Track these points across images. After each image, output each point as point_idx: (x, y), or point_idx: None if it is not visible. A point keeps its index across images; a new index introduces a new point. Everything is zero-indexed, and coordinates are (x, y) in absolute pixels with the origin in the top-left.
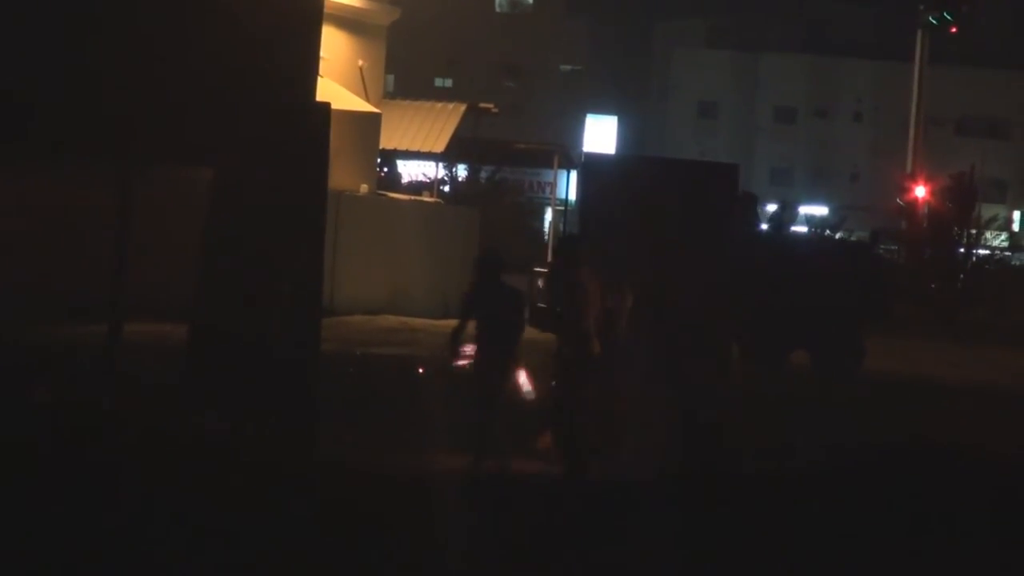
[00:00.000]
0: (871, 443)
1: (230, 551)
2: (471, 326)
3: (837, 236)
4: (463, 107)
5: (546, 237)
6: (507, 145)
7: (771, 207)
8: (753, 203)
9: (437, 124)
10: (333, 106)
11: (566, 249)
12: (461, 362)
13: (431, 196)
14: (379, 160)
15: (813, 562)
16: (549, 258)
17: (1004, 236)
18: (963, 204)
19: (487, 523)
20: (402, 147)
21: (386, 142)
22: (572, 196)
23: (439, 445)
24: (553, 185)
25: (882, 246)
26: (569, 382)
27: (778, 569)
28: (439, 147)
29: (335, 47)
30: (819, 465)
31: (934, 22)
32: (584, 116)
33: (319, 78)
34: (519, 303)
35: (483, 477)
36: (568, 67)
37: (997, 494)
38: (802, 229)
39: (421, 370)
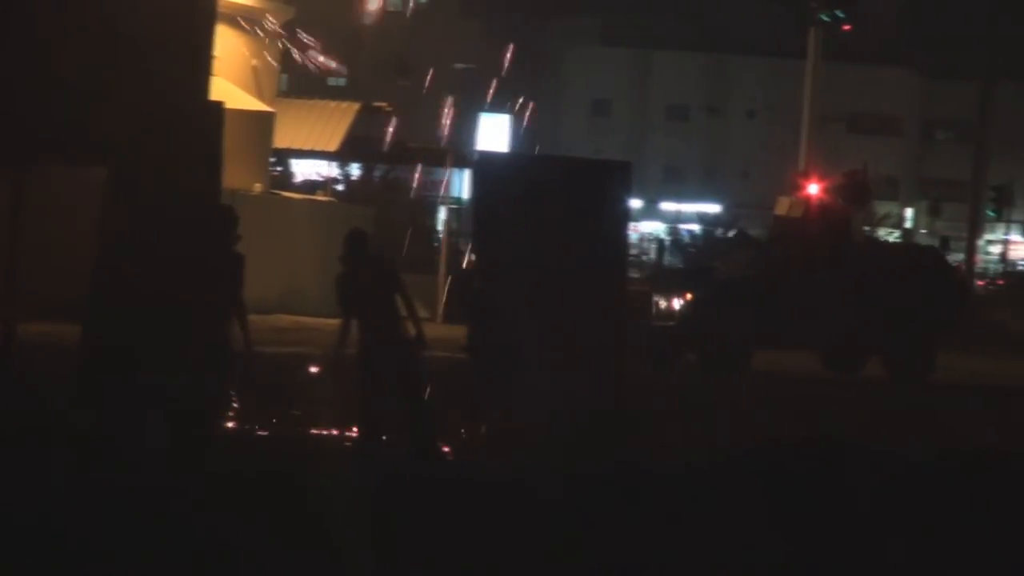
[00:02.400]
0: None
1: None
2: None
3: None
4: (356, 106)
5: (440, 235)
6: (400, 144)
7: (665, 206)
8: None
9: (331, 123)
10: (227, 105)
11: (351, 245)
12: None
13: (325, 195)
14: (273, 159)
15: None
16: (443, 256)
17: (897, 233)
18: (856, 201)
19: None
20: (296, 146)
21: (280, 141)
22: (466, 194)
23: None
24: (446, 184)
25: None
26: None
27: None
28: (333, 146)
29: (229, 46)
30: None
31: (826, 20)
32: (477, 115)
33: (212, 77)
34: (393, 274)
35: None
36: (462, 66)
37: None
38: (693, 227)
39: (314, 369)
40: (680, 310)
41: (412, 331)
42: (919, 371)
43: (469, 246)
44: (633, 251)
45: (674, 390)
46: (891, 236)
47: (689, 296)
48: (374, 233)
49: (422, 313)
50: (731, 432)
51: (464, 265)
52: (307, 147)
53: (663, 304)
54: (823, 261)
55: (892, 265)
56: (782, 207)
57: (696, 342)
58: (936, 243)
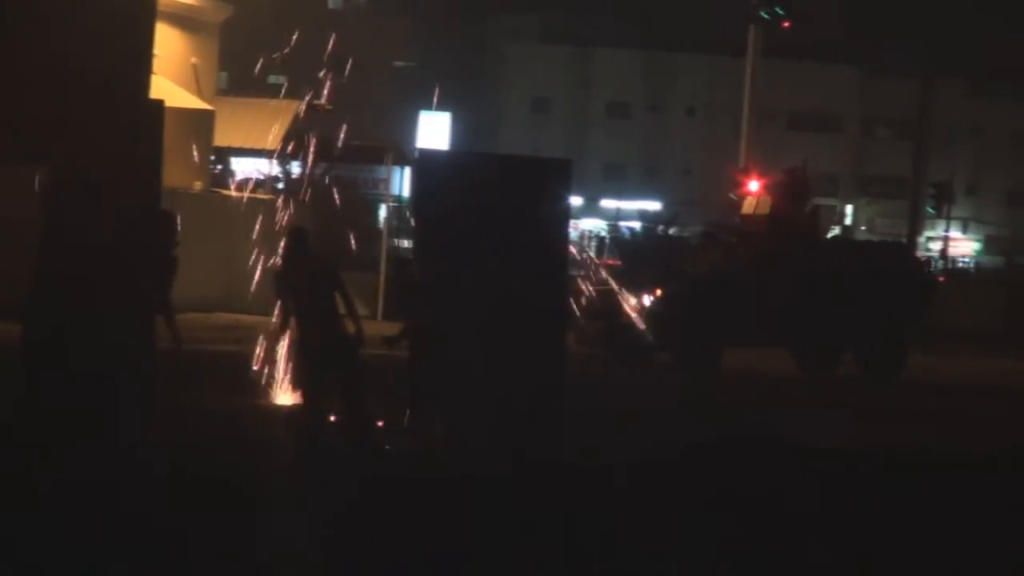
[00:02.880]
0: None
1: None
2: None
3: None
4: (296, 104)
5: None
6: (340, 142)
7: (606, 203)
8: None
9: (271, 121)
10: (166, 103)
11: (291, 242)
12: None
13: (265, 193)
14: (213, 157)
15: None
16: (384, 255)
17: (837, 230)
18: (796, 198)
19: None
20: (236, 144)
21: (220, 139)
22: (407, 192)
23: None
24: (387, 182)
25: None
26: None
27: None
28: (273, 144)
29: (168, 44)
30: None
31: (766, 16)
32: (418, 113)
33: (152, 75)
34: (332, 272)
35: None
36: (402, 64)
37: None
38: (634, 224)
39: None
40: (649, 308)
41: (351, 329)
42: (891, 369)
43: (411, 243)
44: (573, 248)
45: (636, 388)
46: (831, 233)
47: (659, 293)
48: (315, 231)
49: (362, 311)
50: (665, 430)
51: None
52: (247, 145)
53: (632, 301)
54: (791, 260)
55: (861, 263)
56: (749, 206)
57: (665, 340)
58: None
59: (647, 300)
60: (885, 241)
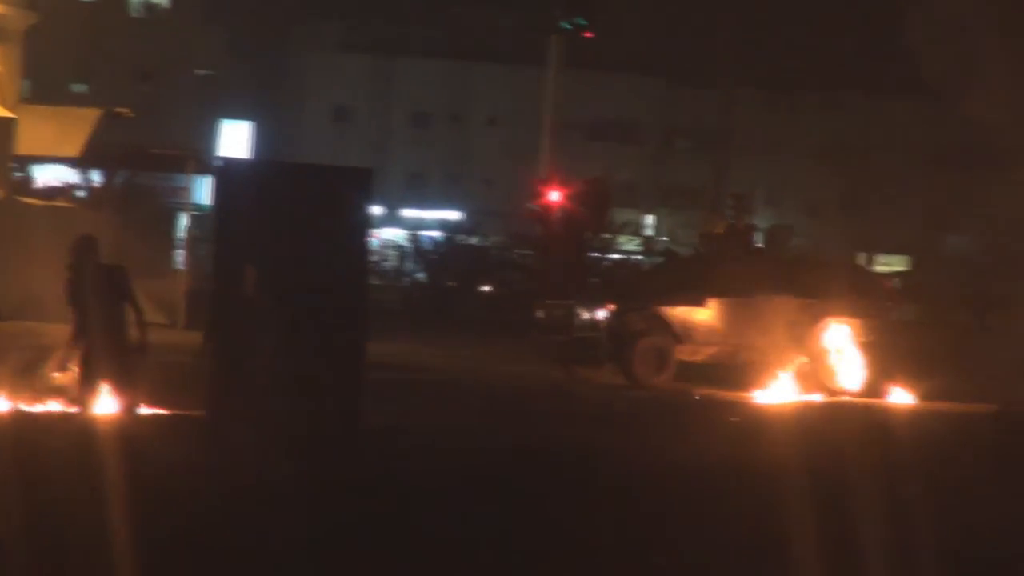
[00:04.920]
0: None
1: None
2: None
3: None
4: (98, 112)
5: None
6: (142, 150)
7: (407, 213)
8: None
9: (73, 129)
10: None
11: (78, 250)
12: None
13: (66, 201)
14: (14, 165)
15: None
16: (184, 262)
17: (637, 240)
18: (596, 208)
19: None
20: (37, 152)
21: (22, 147)
22: (208, 201)
23: None
24: (187, 190)
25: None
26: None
27: None
28: (74, 152)
29: None
30: None
31: (567, 27)
32: (219, 121)
33: None
34: (121, 281)
35: None
36: (203, 72)
37: None
38: (435, 234)
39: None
40: (604, 322)
41: (136, 338)
42: (851, 383)
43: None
44: (374, 257)
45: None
46: (630, 243)
47: (612, 308)
48: (112, 239)
49: (161, 319)
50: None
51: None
52: (49, 153)
53: (585, 316)
54: (747, 277)
55: (815, 279)
56: (709, 224)
57: (617, 354)
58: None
59: (602, 315)
60: (840, 258)
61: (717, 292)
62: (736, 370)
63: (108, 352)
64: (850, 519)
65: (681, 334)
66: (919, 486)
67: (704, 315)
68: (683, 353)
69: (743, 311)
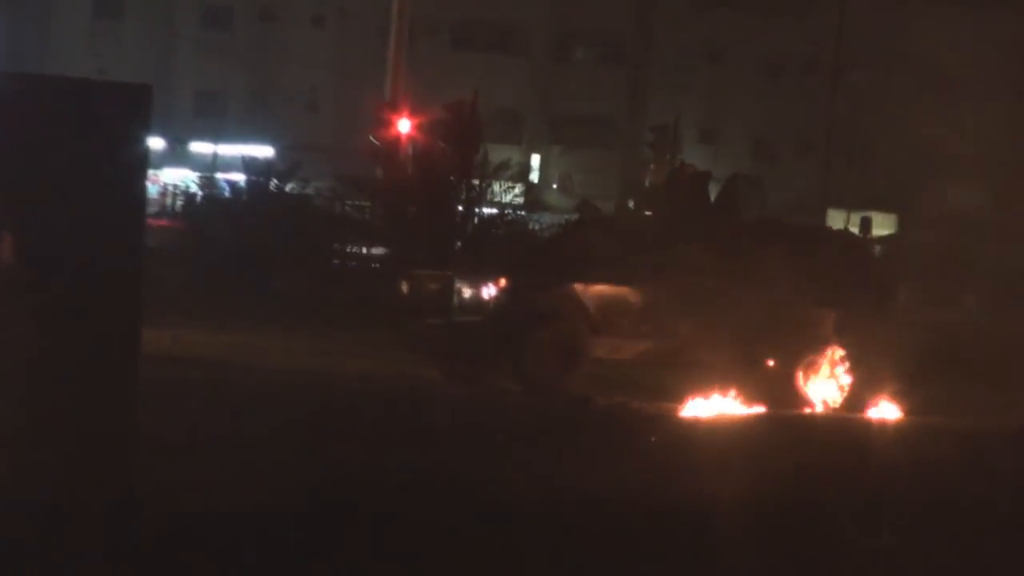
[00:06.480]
0: None
1: None
2: None
3: None
4: None
5: None
6: None
7: (198, 147)
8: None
9: None
10: None
11: None
12: None
13: None
14: None
15: None
16: None
17: (519, 189)
18: (463, 144)
19: None
20: None
21: None
22: None
23: None
24: None
25: (351, 202)
26: None
27: None
28: None
29: None
30: None
31: None
32: None
33: None
34: None
35: None
36: None
37: None
38: (237, 177)
39: None
40: (492, 302)
41: None
42: (832, 394)
43: None
44: (152, 209)
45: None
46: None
47: (503, 283)
48: None
49: None
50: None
51: None
52: None
53: (467, 293)
54: (698, 249)
55: (791, 253)
56: (652, 173)
57: (507, 347)
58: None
59: (488, 293)
60: (827, 227)
61: (656, 267)
62: (673, 373)
63: None
64: None
65: (600, 323)
66: (906, 539)
67: (636, 298)
68: (602, 349)
69: (692, 295)
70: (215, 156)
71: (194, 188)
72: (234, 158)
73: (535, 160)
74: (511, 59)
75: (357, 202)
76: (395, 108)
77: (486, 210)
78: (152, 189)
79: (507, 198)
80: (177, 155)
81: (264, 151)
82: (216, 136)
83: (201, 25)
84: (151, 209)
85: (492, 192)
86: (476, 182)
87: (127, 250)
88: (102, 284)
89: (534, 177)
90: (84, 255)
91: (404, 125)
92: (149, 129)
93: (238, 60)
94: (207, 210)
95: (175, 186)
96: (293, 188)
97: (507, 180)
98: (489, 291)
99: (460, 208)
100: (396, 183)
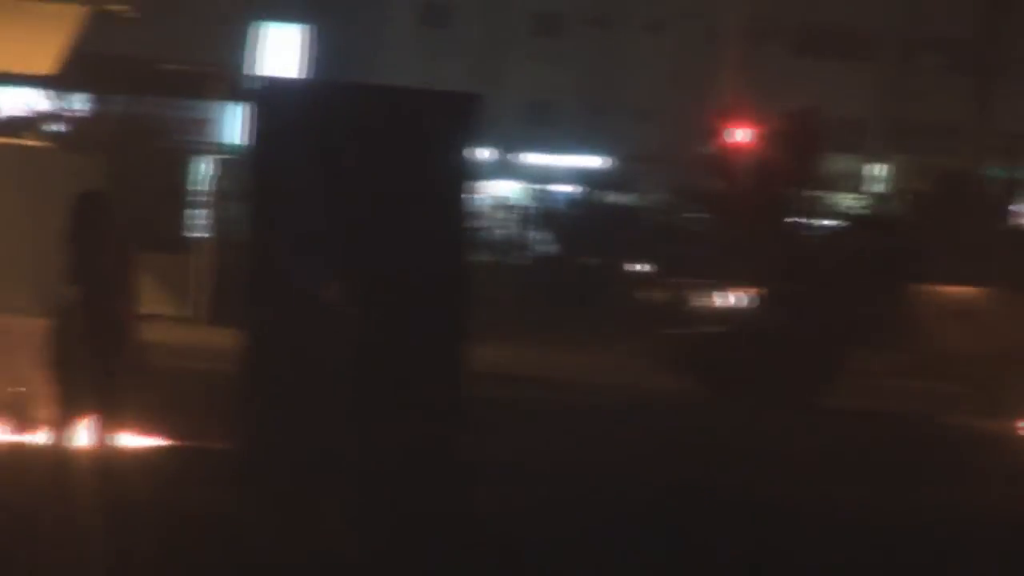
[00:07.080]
0: None
1: None
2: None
3: None
4: (82, 10)
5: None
6: (148, 66)
7: (529, 158)
8: None
9: (45, 35)
10: None
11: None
12: None
13: (34, 139)
14: None
15: None
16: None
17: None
18: (803, 154)
19: None
20: None
21: None
22: (243, 139)
23: None
24: (210, 124)
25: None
26: None
27: None
28: (47, 67)
29: None
30: None
31: None
32: (259, 25)
33: None
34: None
35: None
36: None
37: None
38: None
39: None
40: (742, 312)
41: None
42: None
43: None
44: (479, 223)
45: None
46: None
47: (755, 292)
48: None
49: (169, 310)
50: None
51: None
52: (12, 69)
53: (717, 302)
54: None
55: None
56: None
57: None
58: None
59: (736, 301)
60: None
61: (935, 276)
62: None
63: (111, 356)
64: None
65: (861, 335)
66: None
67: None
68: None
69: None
70: (546, 168)
71: (524, 201)
72: (565, 170)
73: (877, 169)
74: (855, 65)
75: (694, 215)
76: (731, 117)
77: (826, 222)
78: (478, 202)
79: (850, 206)
80: (505, 167)
81: (597, 162)
82: (548, 146)
83: (531, 32)
84: (481, 223)
85: (832, 203)
86: (814, 194)
87: (452, 263)
88: (426, 284)
89: (877, 187)
90: (411, 270)
91: (742, 134)
92: (475, 138)
93: (569, 68)
94: (541, 223)
95: (505, 199)
96: (627, 200)
97: (848, 191)
98: (734, 300)
99: (795, 220)
100: (735, 196)
